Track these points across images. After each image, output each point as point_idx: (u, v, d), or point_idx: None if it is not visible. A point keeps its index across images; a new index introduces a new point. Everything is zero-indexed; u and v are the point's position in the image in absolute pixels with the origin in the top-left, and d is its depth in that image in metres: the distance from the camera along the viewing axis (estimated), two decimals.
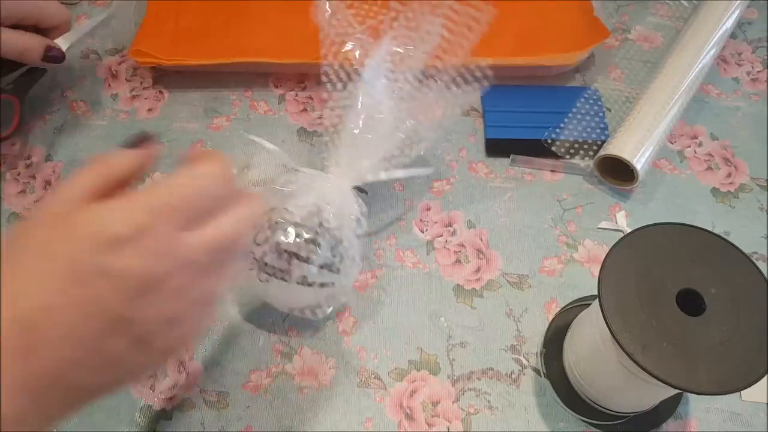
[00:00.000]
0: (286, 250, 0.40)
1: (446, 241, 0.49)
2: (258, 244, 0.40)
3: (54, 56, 0.49)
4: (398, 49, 0.46)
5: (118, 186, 0.27)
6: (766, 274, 0.34)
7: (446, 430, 0.41)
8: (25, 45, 0.47)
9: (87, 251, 0.24)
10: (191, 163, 0.28)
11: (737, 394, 0.41)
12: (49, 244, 0.25)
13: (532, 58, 0.55)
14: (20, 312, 0.24)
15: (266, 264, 0.40)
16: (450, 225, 0.50)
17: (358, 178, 0.44)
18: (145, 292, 0.25)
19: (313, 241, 0.41)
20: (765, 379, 0.31)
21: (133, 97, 0.57)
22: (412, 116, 0.46)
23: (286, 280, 0.40)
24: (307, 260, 0.40)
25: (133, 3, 0.60)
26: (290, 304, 0.43)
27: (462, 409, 0.42)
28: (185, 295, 0.27)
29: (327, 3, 0.48)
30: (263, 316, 0.46)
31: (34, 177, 0.53)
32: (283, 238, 0.40)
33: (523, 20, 0.58)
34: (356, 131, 0.44)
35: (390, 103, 0.45)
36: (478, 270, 0.48)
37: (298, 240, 0.40)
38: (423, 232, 0.50)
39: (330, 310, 0.43)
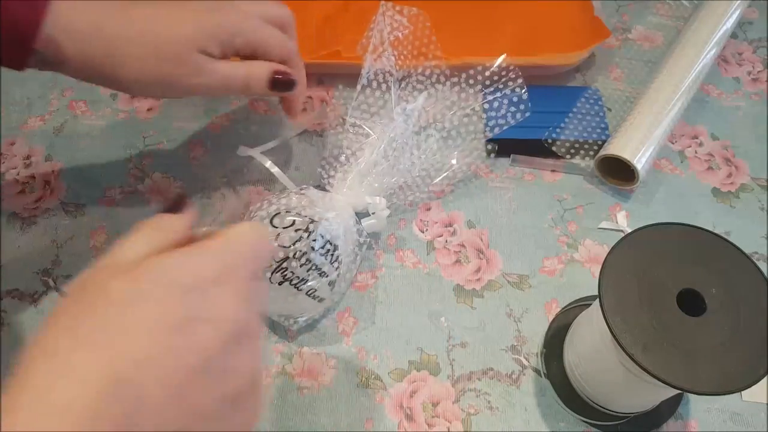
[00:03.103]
0: (310, 260, 0.39)
1: (446, 241, 0.49)
2: (287, 246, 0.39)
3: (285, 81, 0.41)
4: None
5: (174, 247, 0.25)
6: (766, 274, 0.34)
7: (446, 430, 0.41)
8: (248, 72, 0.40)
9: (179, 296, 0.22)
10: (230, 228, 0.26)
11: (738, 394, 0.41)
12: (136, 292, 0.22)
13: (532, 58, 0.55)
14: (118, 369, 0.20)
15: (286, 268, 0.39)
16: (450, 225, 0.50)
17: (361, 204, 0.45)
18: (238, 337, 0.23)
19: (336, 258, 0.41)
20: (765, 379, 0.31)
21: (133, 96, 0.57)
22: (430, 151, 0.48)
23: (299, 289, 0.40)
24: (326, 275, 0.40)
25: None
26: (279, 310, 0.43)
27: (462, 410, 0.42)
28: (259, 352, 0.25)
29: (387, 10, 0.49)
30: (263, 316, 0.46)
31: (33, 177, 0.53)
32: (313, 247, 0.39)
33: (523, 20, 0.58)
34: (373, 157, 0.45)
35: (408, 136, 0.47)
36: (478, 270, 0.48)
37: (324, 254, 0.40)
38: (423, 232, 0.50)
39: (303, 321, 0.44)
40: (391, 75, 0.48)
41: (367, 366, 0.44)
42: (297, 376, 0.43)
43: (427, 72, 0.50)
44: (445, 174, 0.49)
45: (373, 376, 0.43)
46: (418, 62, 0.50)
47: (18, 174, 0.53)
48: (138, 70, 0.37)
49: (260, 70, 0.41)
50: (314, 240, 0.39)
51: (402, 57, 0.50)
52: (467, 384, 0.43)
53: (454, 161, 0.49)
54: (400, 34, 0.50)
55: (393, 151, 0.45)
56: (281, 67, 0.42)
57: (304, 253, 0.39)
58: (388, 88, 0.48)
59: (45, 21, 0.35)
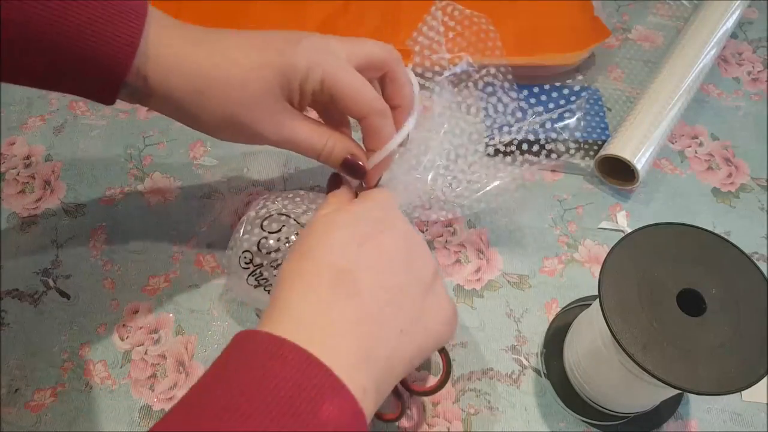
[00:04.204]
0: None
1: (446, 241, 0.49)
2: (266, 253, 0.40)
3: (353, 168, 0.38)
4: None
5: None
6: (766, 274, 0.34)
7: (446, 430, 0.41)
8: (325, 146, 0.38)
9: (364, 221, 0.34)
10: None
11: (738, 394, 0.41)
12: (336, 220, 0.34)
13: (532, 58, 0.55)
14: (338, 265, 0.31)
15: (261, 274, 0.40)
16: (450, 225, 0.50)
17: None
18: (411, 240, 0.35)
19: None
20: (765, 379, 0.31)
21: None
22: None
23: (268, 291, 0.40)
24: None
25: None
26: (263, 307, 0.43)
27: (462, 410, 0.42)
28: (429, 252, 0.36)
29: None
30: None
31: (33, 177, 0.53)
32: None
33: (523, 20, 0.58)
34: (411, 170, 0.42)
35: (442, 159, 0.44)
36: (478, 270, 0.48)
37: None
38: (423, 232, 0.50)
39: None
40: (439, 75, 0.44)
41: None
42: None
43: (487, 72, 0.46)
44: (478, 194, 0.45)
45: None
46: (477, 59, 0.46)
47: (18, 174, 0.53)
48: (217, 112, 0.36)
49: (337, 149, 0.38)
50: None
51: (457, 55, 0.46)
52: (467, 384, 0.43)
53: (495, 182, 0.45)
54: (451, 34, 0.46)
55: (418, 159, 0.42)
56: (358, 153, 0.38)
57: (280, 264, 0.39)
58: (431, 92, 0.44)
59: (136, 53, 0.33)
